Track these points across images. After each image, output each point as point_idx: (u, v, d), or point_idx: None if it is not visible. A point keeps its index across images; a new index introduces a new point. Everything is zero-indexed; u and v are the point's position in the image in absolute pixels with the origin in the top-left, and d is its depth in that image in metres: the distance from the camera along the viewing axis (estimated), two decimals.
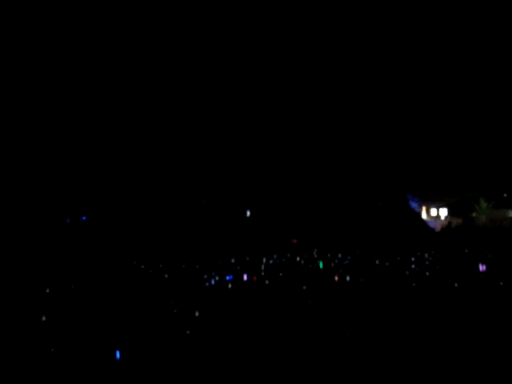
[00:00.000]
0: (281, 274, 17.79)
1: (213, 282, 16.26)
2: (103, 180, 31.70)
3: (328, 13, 30.68)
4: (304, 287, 14.41)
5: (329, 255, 24.44)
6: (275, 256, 24.60)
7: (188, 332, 9.61)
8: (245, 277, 16.83)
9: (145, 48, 31.40)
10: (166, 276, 17.79)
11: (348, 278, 16.16)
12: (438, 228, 37.37)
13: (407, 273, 17.67)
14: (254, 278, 16.49)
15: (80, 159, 31.95)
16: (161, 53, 31.63)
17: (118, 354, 8.26)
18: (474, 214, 38.01)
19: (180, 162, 32.58)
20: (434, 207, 39.46)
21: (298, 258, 23.49)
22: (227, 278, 16.90)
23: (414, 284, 14.79)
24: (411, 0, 30.03)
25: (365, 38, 31.56)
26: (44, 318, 10.44)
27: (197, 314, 10.97)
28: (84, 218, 35.11)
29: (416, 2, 30.09)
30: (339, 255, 24.21)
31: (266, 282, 16.06)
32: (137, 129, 31.85)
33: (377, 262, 21.78)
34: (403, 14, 30.03)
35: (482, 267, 18.32)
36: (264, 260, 22.73)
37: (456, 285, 14.53)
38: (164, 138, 32.19)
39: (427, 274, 17.41)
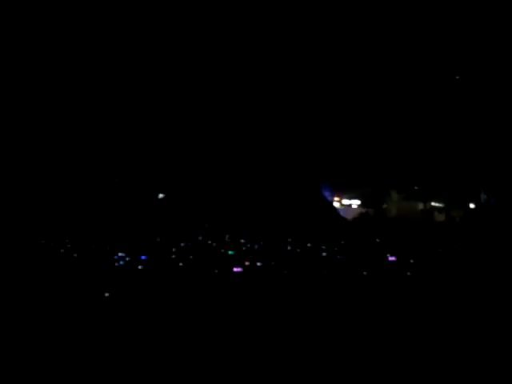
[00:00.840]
0: (191, 257, 17.62)
1: (122, 262, 15.96)
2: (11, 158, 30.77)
3: (328, 13, 30.57)
4: (216, 271, 14.27)
5: (241, 240, 24.40)
6: (187, 239, 24.37)
7: (100, 313, 9.29)
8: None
9: (145, 48, 30.77)
10: (75, 255, 17.36)
11: (259, 264, 16.10)
12: (349, 217, 37.89)
13: (318, 259, 17.77)
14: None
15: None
16: (160, 53, 31.04)
17: None
18: (385, 206, 38.70)
19: (95, 143, 31.94)
20: (347, 197, 39.94)
21: (209, 242, 23.36)
22: (141, 257, 16.65)
23: (324, 271, 14.84)
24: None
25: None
26: None
27: (106, 294, 10.66)
28: None
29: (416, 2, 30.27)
30: (250, 240, 24.20)
31: (180, 264, 15.89)
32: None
33: (288, 247, 21.85)
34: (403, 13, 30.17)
35: (391, 258, 18.59)
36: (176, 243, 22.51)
37: (365, 273, 14.64)
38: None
39: (337, 258, 17.58)
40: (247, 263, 16.16)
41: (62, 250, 19.03)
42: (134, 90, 31.55)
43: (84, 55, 29.96)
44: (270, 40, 31.69)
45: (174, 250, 19.92)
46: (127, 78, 31.17)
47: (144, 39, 30.40)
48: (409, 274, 14.92)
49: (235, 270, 14.72)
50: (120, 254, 17.78)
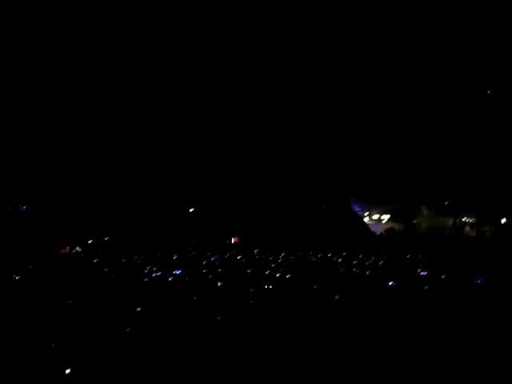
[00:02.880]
0: (219, 270, 17.64)
1: (153, 276, 15.98)
2: (44, 169, 31.04)
3: (328, 13, 30.65)
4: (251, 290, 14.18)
5: (269, 255, 24.35)
6: (217, 253, 24.37)
7: (128, 329, 9.27)
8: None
9: (144, 48, 31.02)
10: (106, 269, 17.39)
11: (288, 276, 16.08)
12: (379, 232, 37.73)
13: (348, 273, 17.69)
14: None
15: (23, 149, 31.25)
16: (161, 53, 31.27)
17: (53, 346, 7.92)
18: (415, 221, 38.48)
19: (126, 156, 32.15)
20: (377, 212, 39.81)
21: (239, 257, 23.34)
22: (175, 272, 16.67)
23: (353, 285, 14.75)
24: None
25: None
26: None
27: (138, 309, 10.65)
28: (24, 207, 34.35)
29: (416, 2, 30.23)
30: (281, 255, 24.15)
31: (210, 276, 15.90)
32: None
33: (318, 261, 21.78)
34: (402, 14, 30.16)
35: (422, 273, 18.43)
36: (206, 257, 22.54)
37: (395, 286, 14.57)
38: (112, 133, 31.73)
39: (367, 274, 17.49)
40: (278, 274, 16.22)
41: (94, 261, 19.21)
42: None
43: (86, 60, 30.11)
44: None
45: (204, 263, 19.98)
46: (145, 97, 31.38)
47: (144, 41, 30.49)
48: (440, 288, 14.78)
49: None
50: (150, 268, 17.84)
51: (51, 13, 28.70)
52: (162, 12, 30.00)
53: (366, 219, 39.52)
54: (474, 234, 36.32)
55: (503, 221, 36.32)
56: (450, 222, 37.56)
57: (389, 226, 38.63)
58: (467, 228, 37.39)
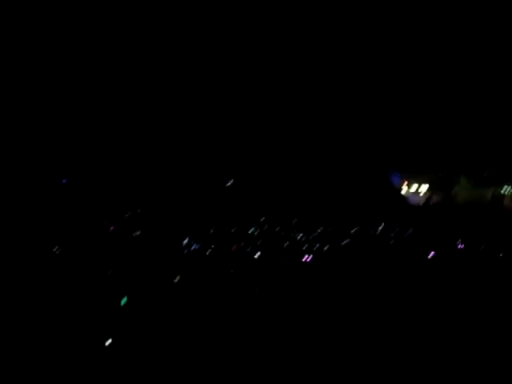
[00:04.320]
0: (259, 243, 17.74)
1: (192, 248, 16.14)
2: (87, 141, 31.39)
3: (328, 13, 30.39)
4: (286, 258, 14.33)
5: (306, 227, 24.39)
6: (254, 227, 24.47)
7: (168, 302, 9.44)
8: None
9: (144, 48, 31.06)
10: (145, 242, 17.61)
11: (325, 249, 16.15)
12: (417, 202, 37.51)
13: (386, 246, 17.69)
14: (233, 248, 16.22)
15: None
16: (161, 53, 31.30)
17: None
18: (454, 192, 38.12)
19: (167, 134, 32.33)
20: (416, 182, 39.49)
21: (276, 229, 23.40)
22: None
23: (391, 259, 14.76)
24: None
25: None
26: None
27: (177, 279, 10.83)
28: (64, 180, 34.82)
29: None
30: (319, 229, 24.18)
31: (248, 249, 16.03)
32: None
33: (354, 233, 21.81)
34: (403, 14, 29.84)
35: (459, 245, 18.38)
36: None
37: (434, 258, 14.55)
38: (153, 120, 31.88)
39: (406, 248, 17.48)
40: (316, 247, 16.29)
41: (134, 234, 19.44)
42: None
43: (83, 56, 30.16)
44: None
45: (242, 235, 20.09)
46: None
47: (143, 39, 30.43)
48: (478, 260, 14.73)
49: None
50: (187, 241, 17.97)
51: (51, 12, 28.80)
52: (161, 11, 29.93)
53: (404, 190, 39.28)
54: None
55: None
56: (490, 193, 37.10)
57: (427, 196, 38.32)
58: (507, 199, 36.90)
